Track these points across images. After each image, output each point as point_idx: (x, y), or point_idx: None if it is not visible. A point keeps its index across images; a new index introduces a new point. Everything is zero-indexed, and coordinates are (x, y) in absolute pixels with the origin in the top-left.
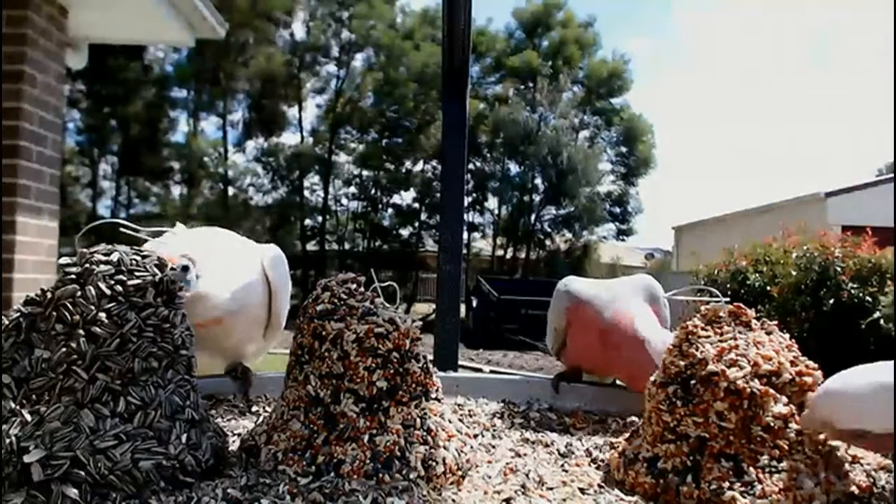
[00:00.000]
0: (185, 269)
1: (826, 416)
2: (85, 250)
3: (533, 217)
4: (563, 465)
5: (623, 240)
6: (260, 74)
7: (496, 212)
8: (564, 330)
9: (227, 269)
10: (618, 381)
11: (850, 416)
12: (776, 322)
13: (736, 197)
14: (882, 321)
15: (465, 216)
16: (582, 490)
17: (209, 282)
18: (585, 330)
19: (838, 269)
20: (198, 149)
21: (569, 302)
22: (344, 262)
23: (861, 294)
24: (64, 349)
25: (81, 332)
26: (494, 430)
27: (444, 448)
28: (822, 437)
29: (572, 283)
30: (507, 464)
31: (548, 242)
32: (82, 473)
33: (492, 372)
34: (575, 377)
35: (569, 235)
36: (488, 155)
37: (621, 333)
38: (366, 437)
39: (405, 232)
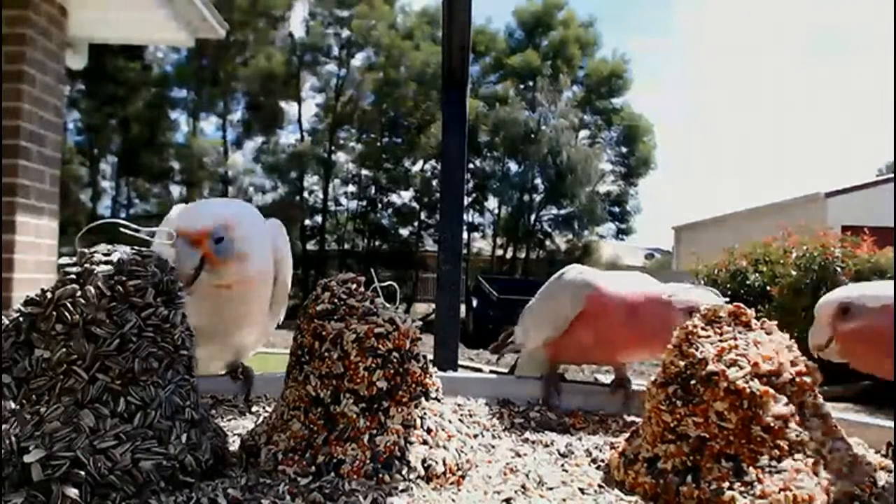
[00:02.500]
0: (220, 239)
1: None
2: (85, 250)
3: (533, 217)
4: (563, 465)
5: (622, 239)
6: (260, 74)
7: (496, 212)
8: (572, 317)
9: (252, 233)
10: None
11: None
12: (776, 322)
13: (736, 197)
14: None
15: (465, 216)
16: (582, 490)
17: (246, 244)
18: (606, 314)
19: (838, 269)
20: (198, 149)
21: (589, 289)
22: (344, 262)
23: None
24: (64, 349)
25: (81, 332)
26: (494, 430)
27: (444, 448)
28: (821, 437)
29: (586, 272)
30: (507, 464)
31: (548, 242)
32: (82, 473)
33: (492, 372)
34: (558, 376)
35: (569, 235)
36: (488, 155)
37: (652, 303)
38: (366, 437)
39: (405, 232)
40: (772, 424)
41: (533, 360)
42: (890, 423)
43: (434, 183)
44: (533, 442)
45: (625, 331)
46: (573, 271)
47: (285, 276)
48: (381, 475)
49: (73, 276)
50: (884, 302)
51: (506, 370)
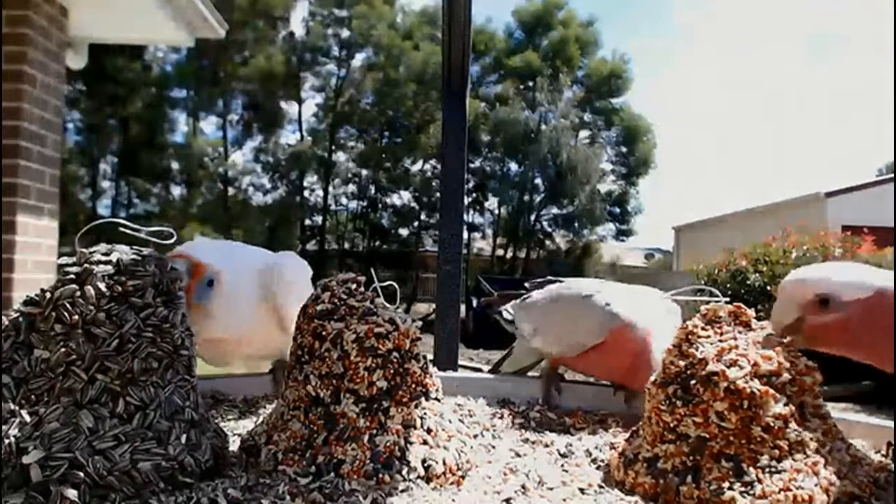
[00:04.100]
0: (211, 283)
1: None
2: (85, 250)
3: (533, 217)
4: (563, 465)
5: (623, 240)
6: (260, 74)
7: (496, 212)
8: (589, 346)
9: (234, 291)
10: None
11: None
12: None
13: (736, 197)
14: None
15: (465, 216)
16: (582, 490)
17: (218, 301)
18: (621, 349)
19: None
20: (198, 149)
21: (615, 322)
22: (344, 262)
23: None
24: (63, 349)
25: (80, 332)
26: (494, 430)
27: (444, 448)
28: (821, 437)
29: (613, 300)
30: (507, 464)
31: (548, 242)
32: (81, 474)
33: (491, 371)
34: (559, 376)
35: (569, 235)
36: (488, 155)
37: (645, 356)
38: (366, 437)
39: (404, 232)
40: (772, 424)
41: (526, 352)
42: (890, 423)
43: (434, 183)
44: (533, 442)
45: (627, 364)
46: (600, 297)
47: (287, 312)
48: (381, 475)
49: (72, 276)
50: (863, 294)
51: (509, 371)
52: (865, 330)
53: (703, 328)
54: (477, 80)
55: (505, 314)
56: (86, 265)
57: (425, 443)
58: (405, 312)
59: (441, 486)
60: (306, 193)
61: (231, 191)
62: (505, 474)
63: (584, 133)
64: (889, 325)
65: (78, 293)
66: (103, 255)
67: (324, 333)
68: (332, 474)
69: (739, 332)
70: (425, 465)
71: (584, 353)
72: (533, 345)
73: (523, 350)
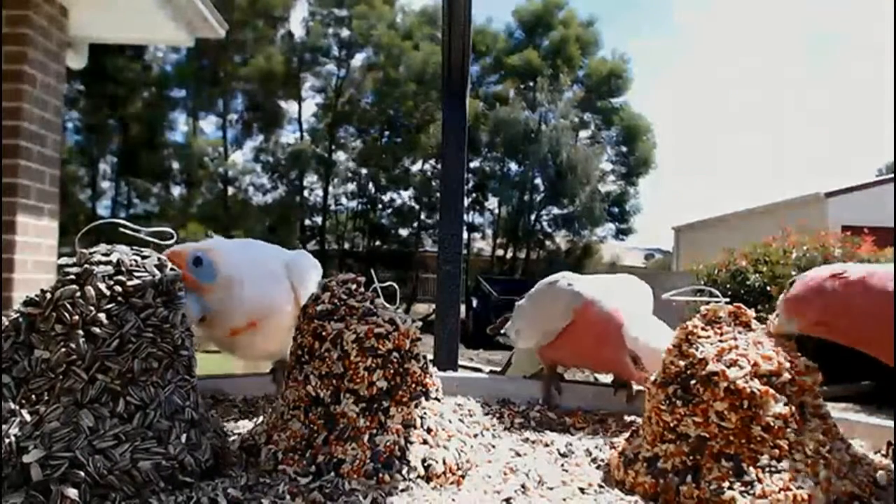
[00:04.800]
0: (198, 260)
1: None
2: (85, 250)
3: (533, 217)
4: (563, 465)
5: (623, 239)
6: (260, 74)
7: (496, 212)
8: (560, 329)
9: (258, 277)
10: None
11: None
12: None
13: (736, 197)
14: None
15: (465, 216)
16: (582, 490)
17: (243, 290)
18: (587, 328)
19: None
20: (198, 149)
21: (578, 301)
22: (344, 262)
23: None
24: (63, 349)
25: (81, 332)
26: (494, 430)
27: (444, 448)
28: (821, 437)
29: (577, 282)
30: (507, 464)
31: (548, 242)
32: (81, 474)
33: (491, 372)
34: (558, 376)
35: (569, 235)
36: (488, 155)
37: (610, 333)
38: (366, 437)
39: (404, 232)
40: (772, 424)
41: (526, 358)
42: (890, 423)
43: (434, 183)
44: (533, 442)
45: (594, 340)
46: (563, 280)
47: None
48: (381, 475)
49: (72, 277)
50: (830, 271)
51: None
52: (823, 291)
53: (703, 328)
54: (477, 80)
55: (502, 331)
56: (86, 265)
57: (425, 442)
58: (405, 312)
59: (441, 485)
60: (306, 193)
61: (231, 191)
62: (505, 474)
63: (584, 133)
64: (824, 301)
65: (78, 293)
66: (103, 255)
67: (324, 334)
68: (332, 474)
69: (739, 333)
70: (425, 464)
71: (558, 338)
72: (519, 345)
73: (522, 358)
